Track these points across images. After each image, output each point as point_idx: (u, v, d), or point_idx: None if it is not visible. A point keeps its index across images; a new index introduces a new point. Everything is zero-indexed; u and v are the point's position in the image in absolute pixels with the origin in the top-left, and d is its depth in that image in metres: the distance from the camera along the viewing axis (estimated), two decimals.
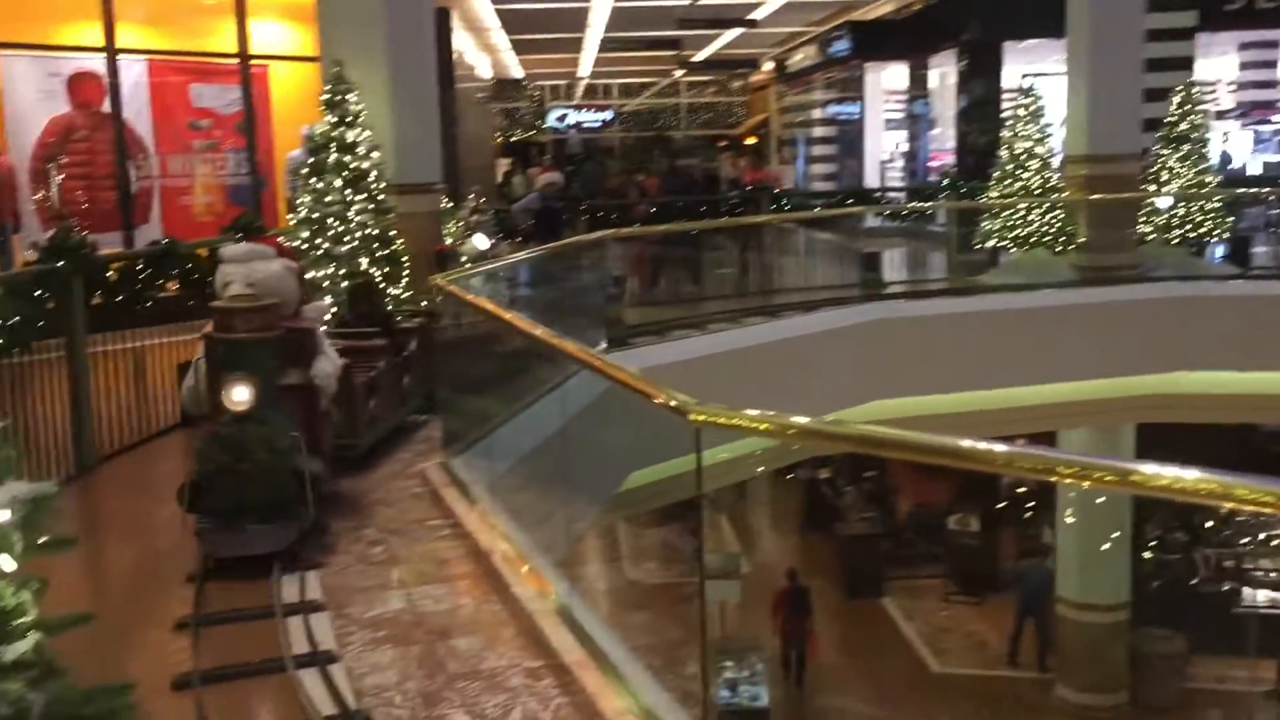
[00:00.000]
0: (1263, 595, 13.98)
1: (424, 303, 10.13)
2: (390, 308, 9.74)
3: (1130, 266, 13.01)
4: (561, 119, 39.06)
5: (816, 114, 29.41)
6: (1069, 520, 13.38)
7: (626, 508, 10.63)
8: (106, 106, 12.14)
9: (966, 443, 3.11)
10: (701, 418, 3.60)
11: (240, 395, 5.54)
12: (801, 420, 3.44)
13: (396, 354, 8.51)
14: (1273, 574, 14.25)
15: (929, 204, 16.61)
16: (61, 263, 7.50)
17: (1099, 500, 12.84)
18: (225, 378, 5.60)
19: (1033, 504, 15.74)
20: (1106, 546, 13.07)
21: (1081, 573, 13.25)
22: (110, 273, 8.84)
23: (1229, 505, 2.73)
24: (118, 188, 12.23)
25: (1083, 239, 13.25)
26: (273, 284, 6.18)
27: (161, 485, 7.00)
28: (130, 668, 4.52)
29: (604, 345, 10.51)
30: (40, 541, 1.82)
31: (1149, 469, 2.75)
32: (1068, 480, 2.86)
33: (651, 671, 4.93)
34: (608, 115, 40.25)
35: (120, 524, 6.80)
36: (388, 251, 10.37)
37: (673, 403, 3.74)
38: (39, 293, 7.53)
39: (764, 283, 13.68)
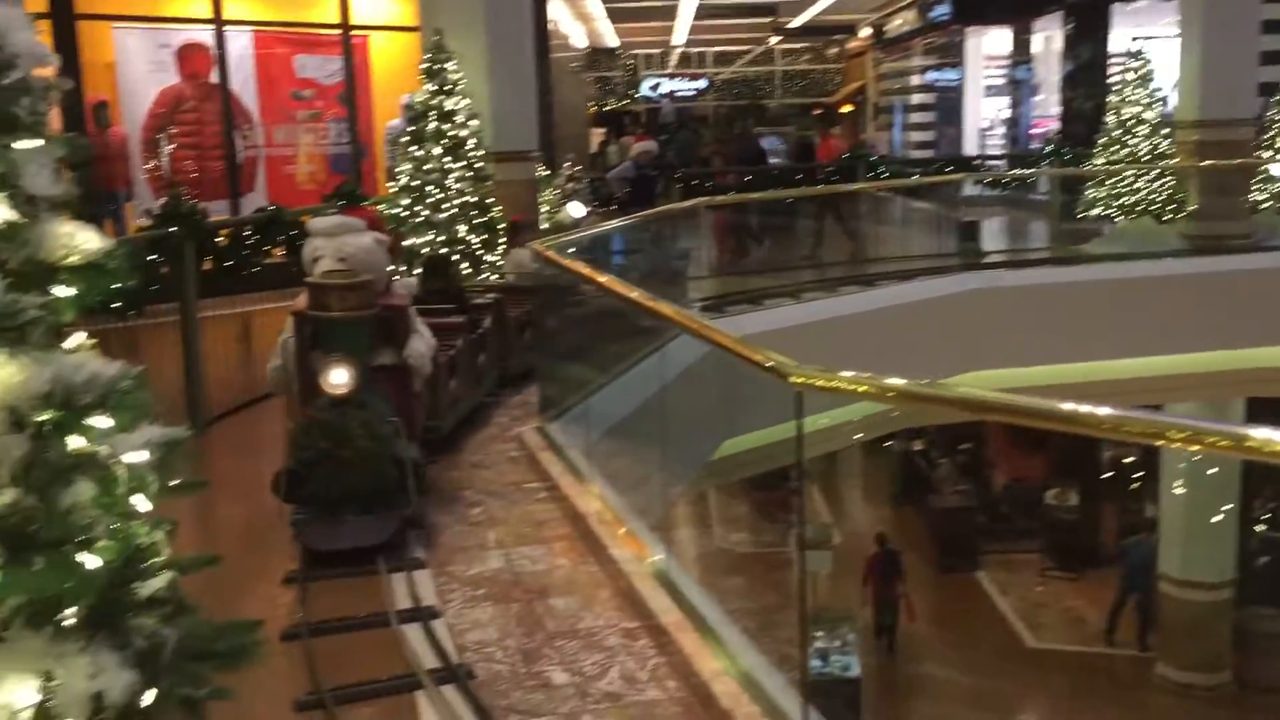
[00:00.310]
0: None
1: (494, 277, 10.23)
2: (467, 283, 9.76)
3: (1243, 235, 12.58)
4: (655, 88, 38.94)
5: (915, 80, 28.88)
6: (1174, 494, 13.05)
7: (720, 475, 10.66)
8: (214, 77, 12.45)
9: (1069, 405, 3.06)
10: (801, 379, 3.60)
11: (339, 378, 5.22)
12: (900, 382, 3.43)
13: (472, 330, 8.29)
14: None
15: (1031, 171, 16.23)
16: (174, 228, 7.73)
17: (1207, 472, 12.51)
18: (321, 359, 5.33)
19: (1135, 478, 15.38)
20: (1215, 520, 12.73)
21: (1185, 549, 12.93)
22: (219, 238, 9.09)
23: None
24: (225, 157, 12.55)
25: (1192, 207, 12.85)
26: (364, 258, 5.83)
27: (268, 446, 7.21)
28: (241, 617, 4.70)
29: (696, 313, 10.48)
30: (173, 484, 1.90)
31: (1263, 433, 2.69)
32: (1178, 445, 2.80)
33: (747, 635, 4.97)
34: (701, 84, 40.02)
35: (231, 483, 7.04)
36: (485, 219, 10.49)
37: (771, 364, 3.75)
38: (152, 257, 7.78)
39: (859, 252, 13.53)
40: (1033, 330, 11.37)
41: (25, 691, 1.57)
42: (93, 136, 11.12)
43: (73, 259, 1.68)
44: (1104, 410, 3.01)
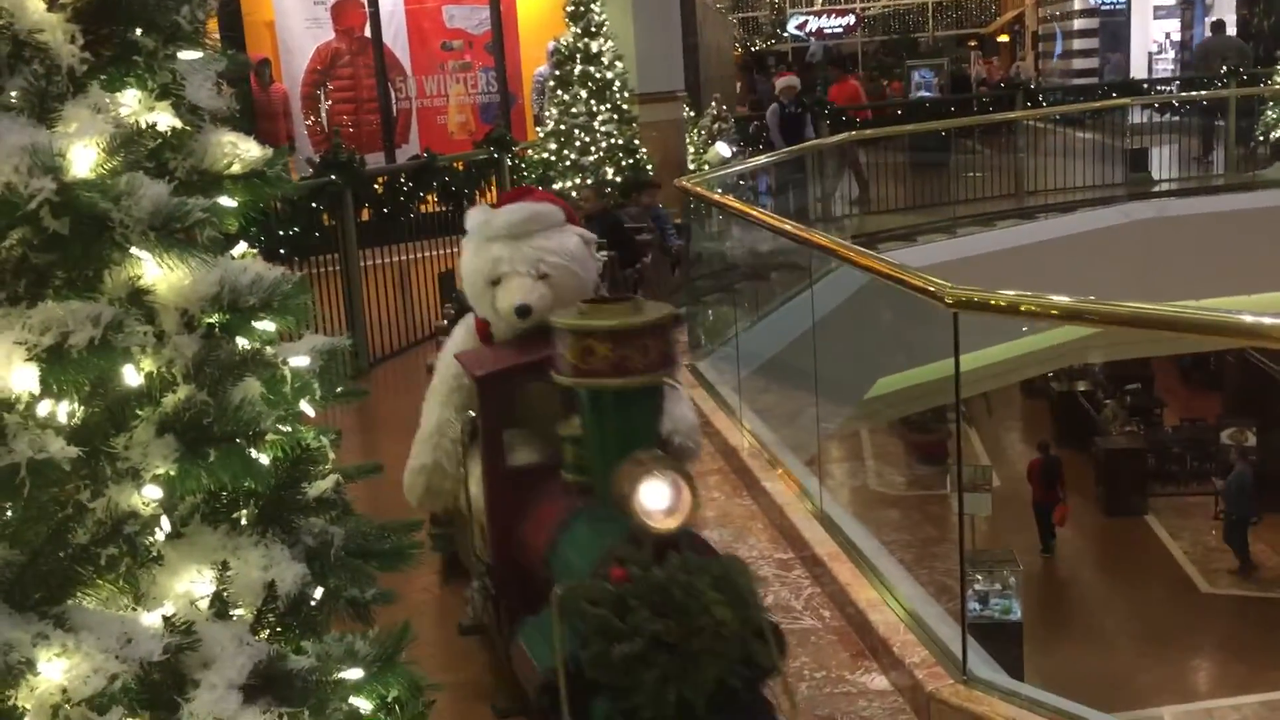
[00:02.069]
0: None
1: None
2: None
3: None
4: (801, 26, 38.16)
5: (1077, 4, 27.55)
6: None
7: (874, 415, 10.51)
8: (367, 32, 12.74)
9: (1250, 317, 2.89)
10: (957, 299, 3.48)
11: (663, 499, 2.83)
12: (1063, 299, 3.28)
13: (631, 266, 8.30)
14: None
15: (1204, 93, 15.32)
16: (333, 176, 7.97)
17: None
18: (626, 469, 2.85)
19: None
20: None
21: None
22: (376, 186, 9.33)
23: None
24: (380, 109, 12.86)
25: None
26: (577, 275, 3.74)
27: (426, 388, 7.44)
28: None
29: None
30: (338, 391, 1.95)
31: None
32: None
33: (904, 567, 4.90)
34: (849, 20, 39.02)
35: (392, 422, 7.28)
36: (632, 161, 10.49)
37: (929, 286, 3.64)
38: (314, 204, 8.05)
39: (1017, 184, 13.03)
40: (1204, 261, 10.78)
41: (203, 581, 1.64)
42: (256, 94, 11.54)
43: (235, 168, 1.73)
44: None
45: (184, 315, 1.63)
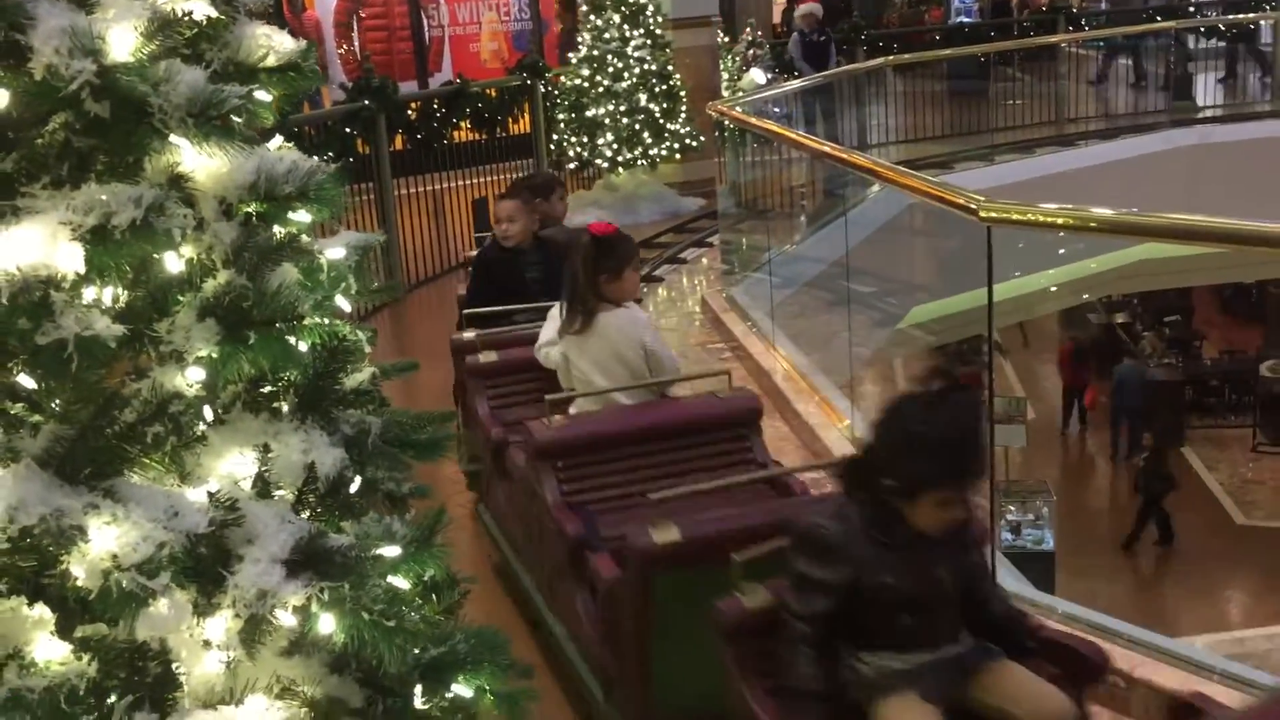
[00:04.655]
0: None
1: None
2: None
3: None
4: None
5: None
6: None
7: (907, 343, 10.46)
8: None
9: None
10: (993, 214, 3.46)
11: None
12: (1102, 212, 3.25)
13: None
14: None
15: (1253, 15, 14.92)
16: (367, 100, 7.97)
17: None
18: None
19: None
20: None
21: None
22: (410, 112, 9.32)
23: None
24: (413, 37, 12.80)
25: None
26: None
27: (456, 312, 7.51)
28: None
29: (876, 189, 10.23)
30: (373, 287, 1.99)
31: None
32: None
33: None
34: None
35: (427, 345, 7.35)
36: (666, 87, 10.40)
37: (962, 200, 3.62)
38: (348, 130, 8.06)
39: (1058, 111, 12.80)
40: (1248, 189, 10.59)
41: (246, 462, 1.69)
42: (289, 21, 11.51)
43: (270, 60, 1.75)
44: None
45: (222, 203, 1.66)
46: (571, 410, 3.58)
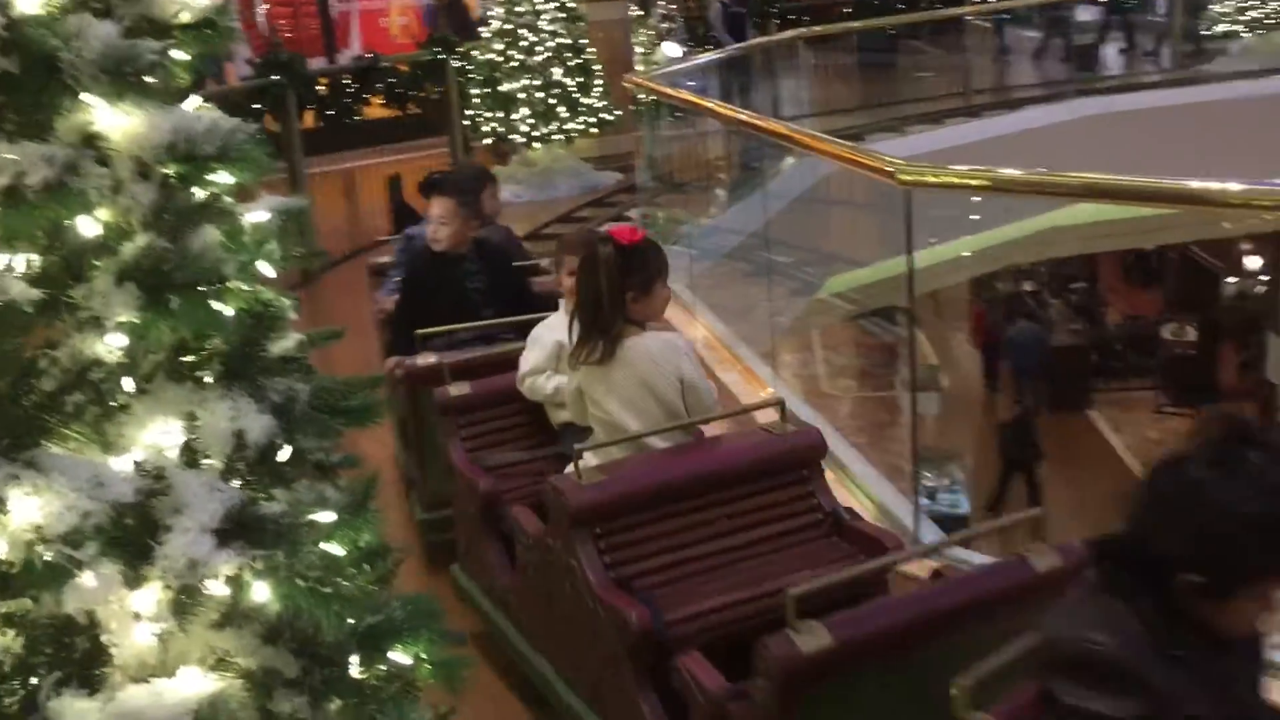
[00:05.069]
0: None
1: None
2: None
3: None
4: None
5: None
6: None
7: (825, 312, 10.59)
8: None
9: (1197, 183, 2.94)
10: (910, 178, 3.51)
11: None
12: (1016, 173, 3.32)
13: None
14: None
15: None
16: (275, 76, 7.80)
17: None
18: None
19: (1256, 309, 14.84)
20: None
21: None
22: (320, 87, 9.15)
23: None
24: (320, 13, 12.54)
25: None
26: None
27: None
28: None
29: (792, 160, 10.32)
30: (295, 253, 1.94)
31: None
32: None
33: (857, 450, 4.99)
34: None
35: (343, 321, 7.23)
36: (580, 61, 10.34)
37: (880, 165, 3.66)
38: (256, 106, 7.88)
39: (965, 83, 13.02)
40: (1152, 156, 10.87)
41: (171, 431, 1.64)
42: None
43: (184, 16, 1.69)
44: (1234, 185, 2.89)
45: (139, 164, 1.61)
46: (588, 456, 2.84)
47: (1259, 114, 10.76)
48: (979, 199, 8.36)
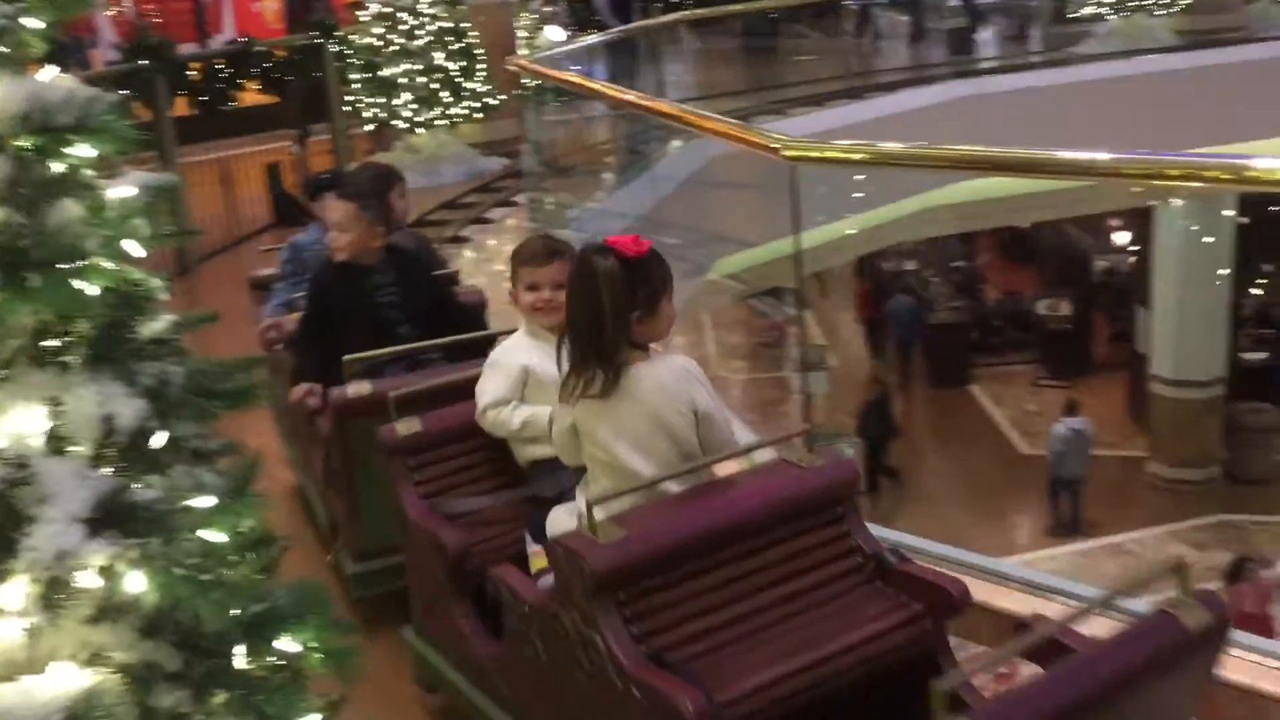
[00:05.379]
0: None
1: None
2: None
3: (1236, 28, 12.30)
4: None
5: None
6: (1165, 294, 13.07)
7: (717, 294, 10.68)
8: None
9: (1066, 153, 3.02)
10: (795, 153, 3.54)
11: None
12: (896, 146, 3.37)
13: None
14: None
15: None
16: (143, 61, 7.53)
17: (1195, 281, 12.51)
18: None
19: (1125, 284, 15.44)
20: (1201, 325, 12.82)
21: (1177, 350, 13.05)
22: (192, 73, 8.86)
23: None
24: None
25: (1187, 1, 12.52)
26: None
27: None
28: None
29: (678, 143, 10.34)
30: (166, 232, 1.87)
31: (1264, 163, 2.65)
32: (1176, 182, 2.77)
33: (750, 426, 5.04)
34: None
35: (224, 313, 7.03)
36: (462, 45, 10.22)
37: (765, 141, 3.68)
38: (124, 92, 7.59)
39: (846, 66, 13.24)
40: (1024, 136, 11.17)
41: (35, 419, 1.56)
42: None
43: None
44: (1102, 155, 2.97)
45: None
46: (586, 503, 2.42)
47: (1124, 94, 11.17)
48: (862, 177, 8.51)
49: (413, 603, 3.17)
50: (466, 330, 3.75)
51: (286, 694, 1.71)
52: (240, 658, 1.72)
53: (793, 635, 2.26)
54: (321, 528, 3.96)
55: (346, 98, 10.15)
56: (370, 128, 10.47)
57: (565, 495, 2.75)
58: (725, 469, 2.65)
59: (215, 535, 1.64)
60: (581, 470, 2.62)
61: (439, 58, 10.04)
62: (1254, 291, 14.24)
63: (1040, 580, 3.25)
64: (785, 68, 13.67)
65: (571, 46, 10.49)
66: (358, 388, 3.45)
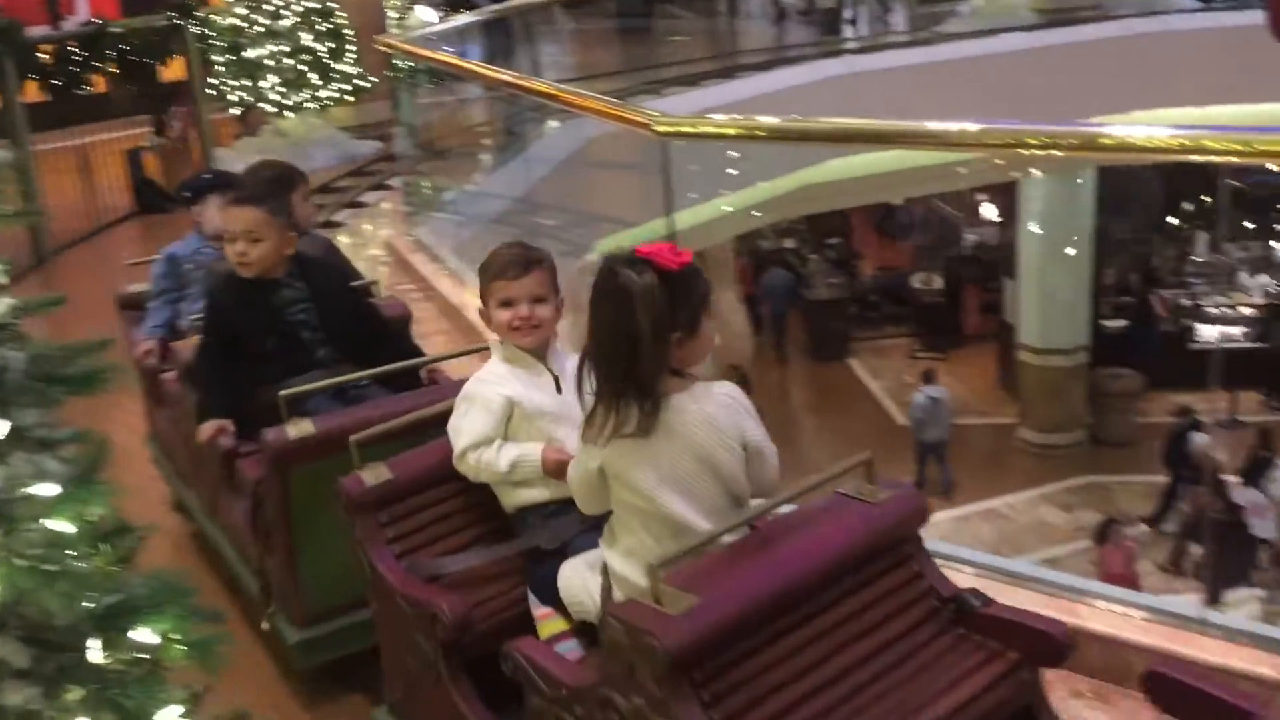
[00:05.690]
0: (1214, 331, 14.39)
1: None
2: None
3: (1092, 6, 12.73)
4: None
5: None
6: (1031, 266, 13.50)
7: (595, 275, 10.70)
8: None
9: (936, 124, 3.09)
10: (667, 129, 3.54)
11: None
12: (770, 120, 3.40)
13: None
14: (1224, 309, 14.63)
15: None
16: None
17: (1057, 252, 12.95)
18: None
19: (993, 257, 15.91)
20: (1065, 295, 13.28)
21: (1043, 320, 13.51)
22: (44, 56, 8.48)
23: (1199, 158, 2.74)
24: None
25: None
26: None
27: (118, 271, 6.97)
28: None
29: (555, 124, 10.29)
30: (7, 212, 1.78)
31: (1118, 130, 2.74)
32: (1035, 149, 2.85)
33: None
34: None
35: (80, 304, 6.75)
36: (330, 25, 9.98)
37: (636, 117, 3.67)
38: None
39: (719, 46, 13.34)
40: (892, 114, 11.41)
41: None
42: None
43: None
44: (970, 125, 3.05)
45: None
46: (616, 558, 2.17)
47: (987, 72, 11.48)
48: (737, 155, 8.59)
49: (388, 680, 2.72)
50: (391, 349, 3.35)
51: (145, 687, 1.64)
52: (96, 651, 1.65)
53: (885, 703, 1.97)
54: (247, 591, 3.40)
55: (210, 81, 9.83)
56: (236, 111, 10.16)
57: (569, 546, 2.43)
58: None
59: (61, 524, 1.57)
60: (586, 516, 2.34)
61: (306, 39, 9.79)
62: (1113, 261, 14.82)
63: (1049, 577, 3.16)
64: (660, 48, 13.71)
65: (444, 26, 10.34)
66: (299, 428, 2.95)
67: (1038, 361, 13.53)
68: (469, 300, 6.25)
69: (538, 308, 2.53)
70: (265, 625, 3.20)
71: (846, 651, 2.02)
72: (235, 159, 8.57)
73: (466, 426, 2.54)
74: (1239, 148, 2.55)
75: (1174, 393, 13.14)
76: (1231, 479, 10.30)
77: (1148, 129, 2.70)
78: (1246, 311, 14.64)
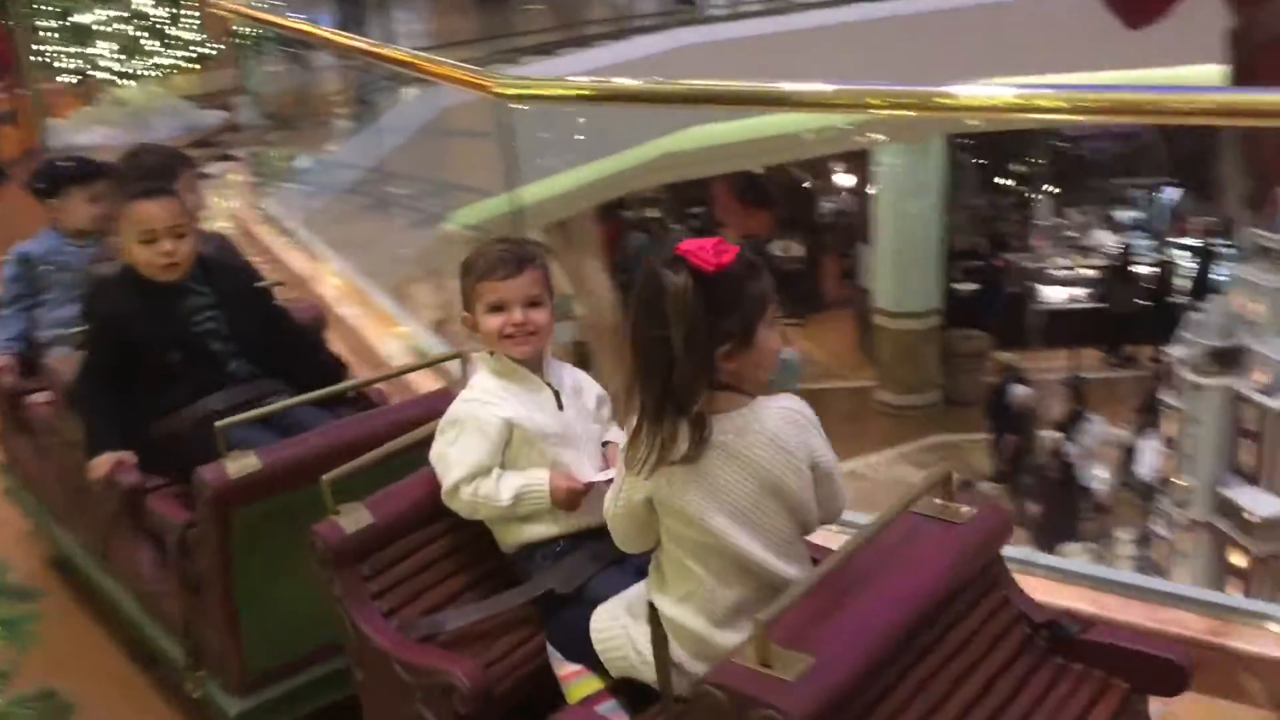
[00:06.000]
0: (1059, 293, 15.02)
1: None
2: None
3: None
4: None
5: None
6: (885, 231, 13.85)
7: (454, 245, 10.52)
8: None
9: (792, 85, 3.11)
10: (509, 90, 3.47)
11: None
12: (627, 82, 3.37)
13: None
14: (1067, 272, 15.29)
15: None
16: None
17: (909, 217, 13.30)
18: None
19: (849, 223, 16.28)
20: (917, 259, 13.67)
21: (898, 285, 13.89)
22: None
23: (1033, 116, 2.82)
24: None
25: None
26: None
27: None
28: None
29: (412, 92, 10.09)
30: None
31: (958, 90, 2.80)
32: (876, 108, 2.90)
33: None
34: None
35: None
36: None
37: (476, 79, 3.61)
38: None
39: (572, 14, 13.28)
40: (749, 80, 11.55)
41: None
42: None
43: None
44: (826, 86, 3.09)
45: None
46: (668, 604, 1.88)
47: (838, 40, 11.69)
48: (594, 123, 8.56)
49: None
50: (309, 360, 3.01)
51: None
52: None
53: None
54: (165, 655, 2.90)
55: (36, 48, 9.32)
56: (73, 80, 9.67)
57: (585, 589, 2.10)
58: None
59: None
60: (602, 552, 2.09)
61: (142, 3, 9.36)
62: (963, 226, 15.32)
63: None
64: (518, 17, 13.55)
65: None
66: (240, 463, 2.46)
67: (893, 325, 13.92)
68: (323, 274, 6.10)
69: (533, 312, 2.20)
70: (195, 693, 2.73)
71: (953, 699, 1.76)
72: (72, 130, 8.17)
73: (457, 456, 2.17)
74: (1066, 105, 2.64)
75: (1021, 352, 13.71)
76: (1050, 433, 10.93)
77: (985, 89, 2.77)
78: (1088, 273, 15.33)
